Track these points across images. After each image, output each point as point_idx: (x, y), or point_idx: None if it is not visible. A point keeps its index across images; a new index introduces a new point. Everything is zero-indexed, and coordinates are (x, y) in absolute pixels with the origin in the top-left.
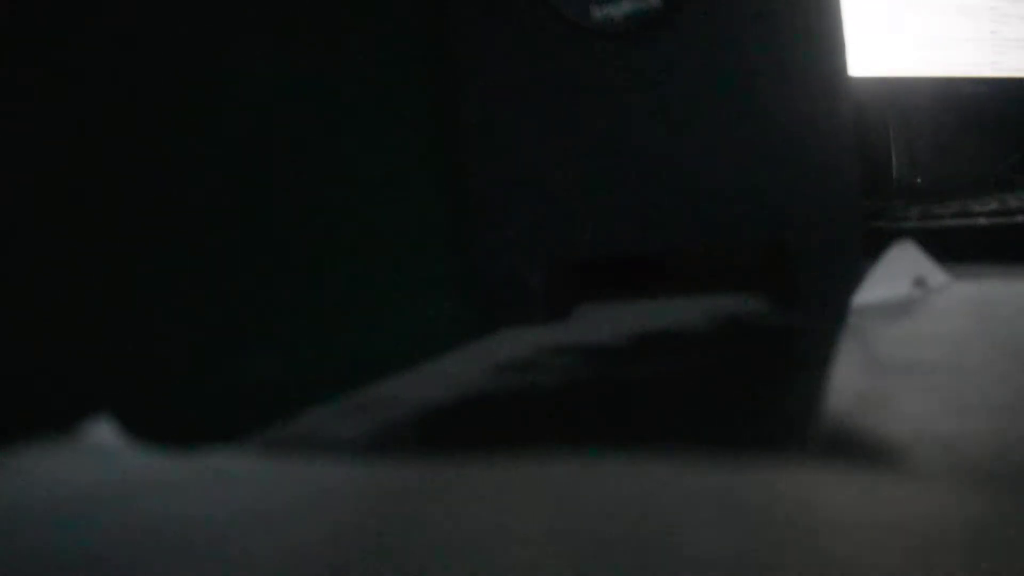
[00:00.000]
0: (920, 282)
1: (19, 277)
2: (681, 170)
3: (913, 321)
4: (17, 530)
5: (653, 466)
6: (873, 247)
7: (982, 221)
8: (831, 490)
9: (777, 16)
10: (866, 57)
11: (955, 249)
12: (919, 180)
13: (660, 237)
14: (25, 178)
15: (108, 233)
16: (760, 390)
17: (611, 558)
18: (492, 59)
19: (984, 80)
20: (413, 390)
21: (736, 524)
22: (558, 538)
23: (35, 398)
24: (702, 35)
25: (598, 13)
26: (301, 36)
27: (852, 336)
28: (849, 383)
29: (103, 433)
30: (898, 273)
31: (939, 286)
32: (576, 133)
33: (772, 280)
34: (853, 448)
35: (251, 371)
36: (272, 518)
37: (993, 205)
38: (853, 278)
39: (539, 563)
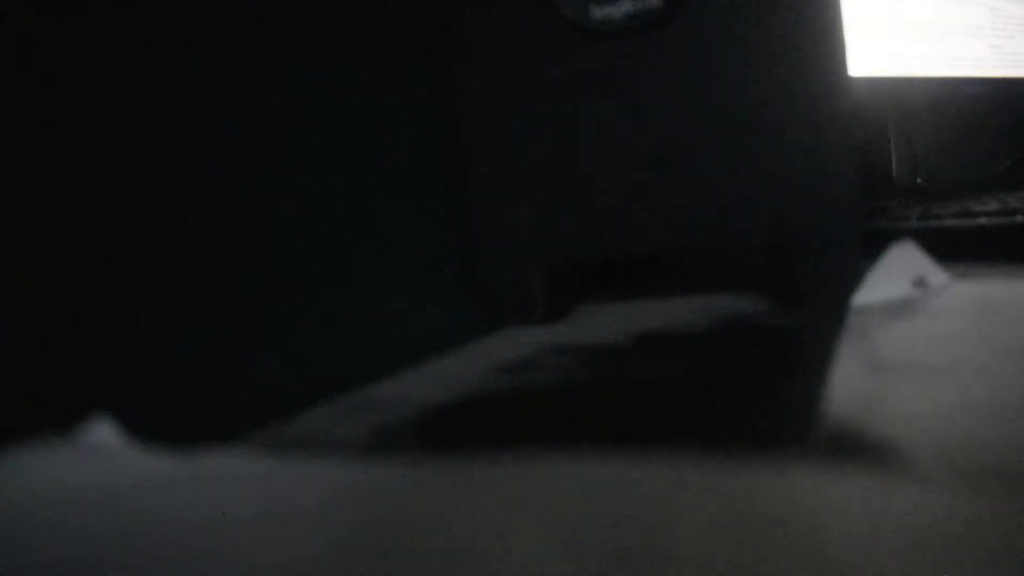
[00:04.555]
0: (920, 282)
1: (19, 277)
2: (681, 170)
3: (913, 321)
4: (17, 530)
5: (652, 466)
6: (873, 247)
7: (982, 221)
8: (831, 491)
9: (777, 16)
10: (866, 57)
11: (955, 249)
12: (919, 180)
13: (660, 237)
14: (25, 177)
15: (108, 233)
16: (760, 390)
17: (610, 558)
18: (492, 59)
19: (984, 80)
20: (413, 390)
21: (736, 525)
22: (558, 538)
23: (35, 398)
24: (702, 35)
25: (598, 13)
26: (300, 35)
27: (852, 336)
28: (849, 383)
29: (103, 433)
30: (898, 273)
31: (939, 286)
32: (576, 133)
33: (772, 280)
34: (853, 448)
35: (251, 371)
36: (272, 518)
37: (993, 205)
38: (853, 278)
39: (538, 563)
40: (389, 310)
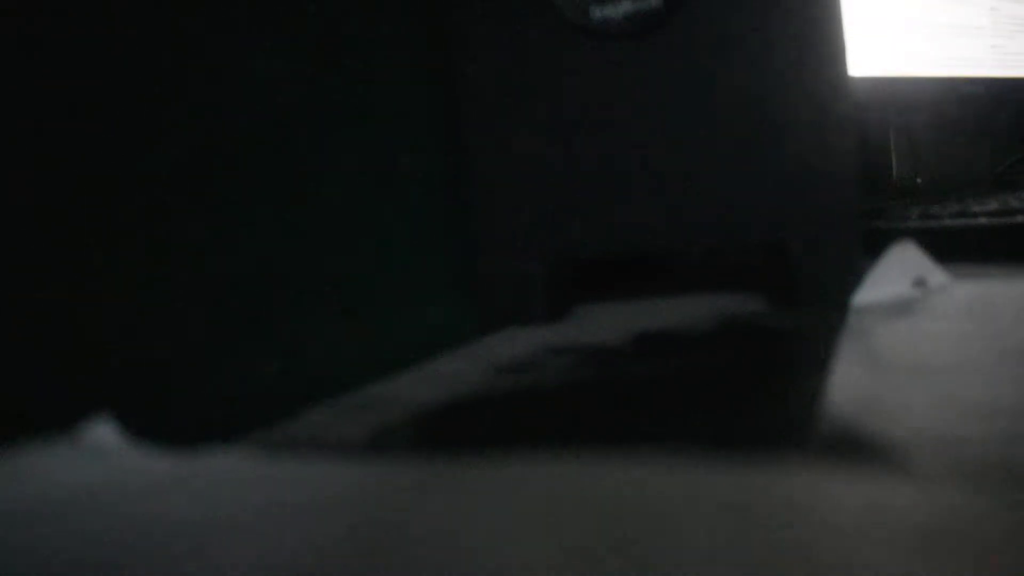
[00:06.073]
0: (920, 282)
1: (19, 277)
2: (681, 170)
3: (913, 321)
4: (17, 530)
5: (653, 466)
6: (873, 247)
7: (982, 221)
8: (831, 490)
9: (777, 16)
10: (866, 57)
11: (955, 249)
12: (919, 180)
13: (660, 237)
14: (25, 177)
15: (108, 232)
16: (760, 390)
17: (610, 559)
18: (492, 59)
19: (984, 80)
20: (413, 390)
21: (735, 524)
22: (557, 538)
23: (35, 398)
24: (702, 35)
25: (598, 13)
26: (302, 36)
27: (852, 336)
28: (849, 383)
29: (103, 433)
30: (898, 273)
31: (939, 286)
32: (576, 133)
33: (772, 280)
34: (853, 448)
35: (251, 371)
36: (272, 519)
37: (993, 205)
38: (853, 278)
39: (538, 563)
40: (389, 310)
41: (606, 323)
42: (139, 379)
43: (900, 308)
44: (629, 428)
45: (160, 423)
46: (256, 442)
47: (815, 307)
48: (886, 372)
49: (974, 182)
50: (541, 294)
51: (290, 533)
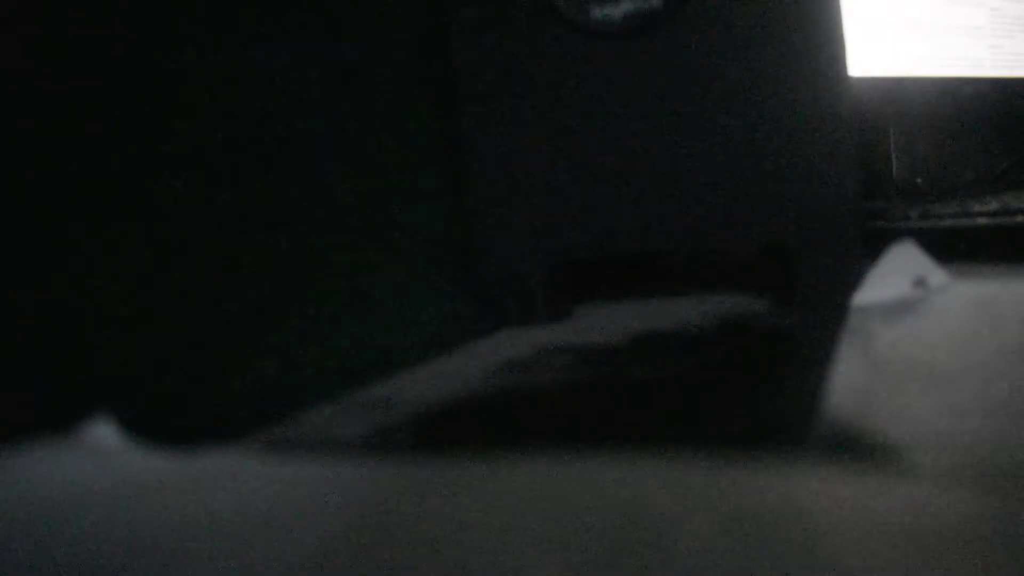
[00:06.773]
0: (920, 282)
1: (19, 277)
2: (681, 170)
3: (913, 321)
4: (17, 530)
5: (652, 467)
6: (873, 247)
7: (982, 221)
8: (831, 490)
9: (777, 16)
10: (866, 57)
11: (955, 249)
12: (919, 180)
13: (660, 237)
14: (25, 177)
15: (108, 232)
16: (760, 390)
17: (609, 559)
18: (492, 59)
19: (984, 80)
20: (413, 390)
21: (735, 525)
22: (557, 539)
23: (35, 398)
24: (702, 35)
25: (598, 13)
26: (302, 36)
27: (852, 336)
28: (849, 383)
29: (103, 433)
30: (898, 273)
31: (939, 286)
32: (576, 133)
33: (772, 280)
34: (853, 448)
35: (251, 371)
36: (272, 518)
37: (993, 205)
38: (853, 278)
39: (537, 564)
40: (389, 310)
41: (606, 323)
42: (139, 379)
43: (900, 308)
44: (629, 428)
45: (160, 423)
46: (256, 442)
47: (815, 307)
48: (886, 372)
49: (974, 182)
50: (541, 294)
51: (290, 533)
